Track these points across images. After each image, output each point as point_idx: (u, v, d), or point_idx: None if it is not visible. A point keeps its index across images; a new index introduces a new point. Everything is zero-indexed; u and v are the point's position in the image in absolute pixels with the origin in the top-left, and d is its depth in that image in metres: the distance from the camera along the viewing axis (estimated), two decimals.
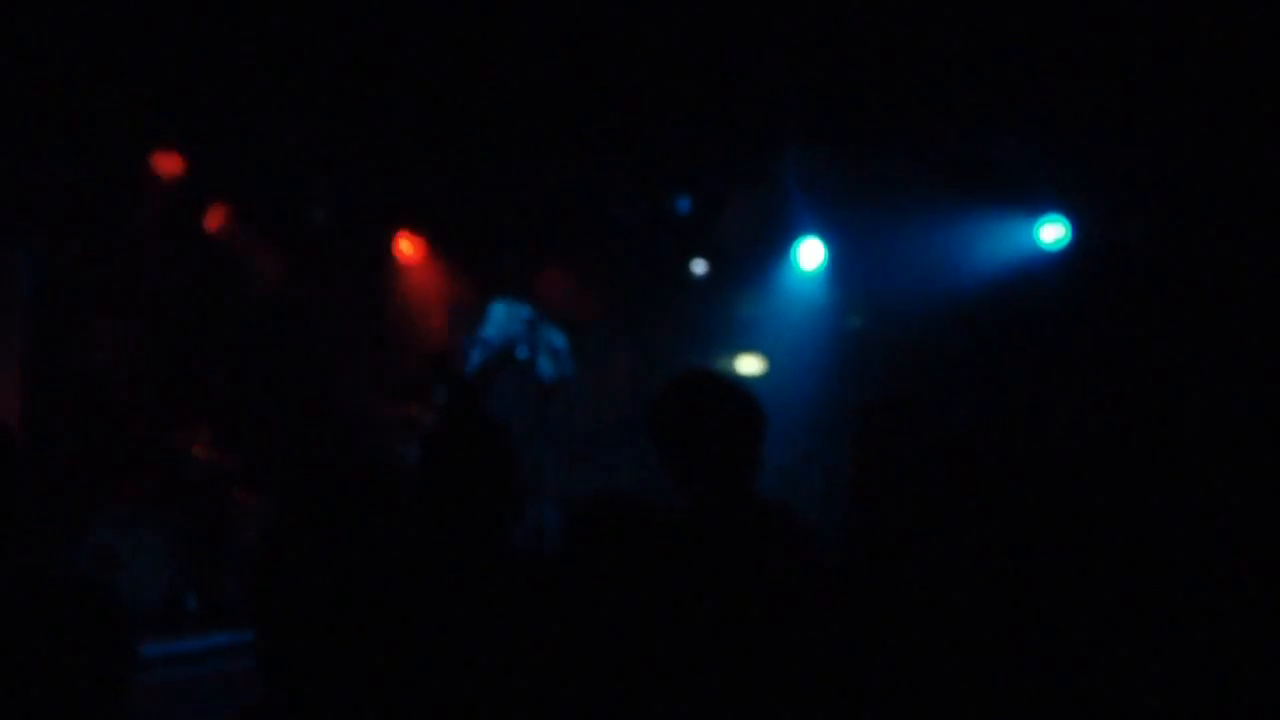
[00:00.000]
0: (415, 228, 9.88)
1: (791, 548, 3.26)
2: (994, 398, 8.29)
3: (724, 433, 3.30)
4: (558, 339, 7.18)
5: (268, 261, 9.43)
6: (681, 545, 3.00)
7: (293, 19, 6.80)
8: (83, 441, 7.91)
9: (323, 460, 8.93)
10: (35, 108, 7.30)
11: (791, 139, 8.20)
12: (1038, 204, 8.73)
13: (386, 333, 9.86)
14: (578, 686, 2.60)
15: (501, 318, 6.49)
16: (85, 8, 6.66)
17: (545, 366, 6.43)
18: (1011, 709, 2.46)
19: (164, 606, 7.24)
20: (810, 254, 9.76)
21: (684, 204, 9.59)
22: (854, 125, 7.97)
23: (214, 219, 8.82)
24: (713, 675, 2.66)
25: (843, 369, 9.47)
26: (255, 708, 1.81)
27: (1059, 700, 2.47)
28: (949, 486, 2.76)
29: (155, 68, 7.26)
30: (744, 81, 7.42)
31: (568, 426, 9.45)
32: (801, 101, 7.60)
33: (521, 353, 6.42)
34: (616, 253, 10.09)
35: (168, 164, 8.09)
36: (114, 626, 2.17)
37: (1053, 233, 8.77)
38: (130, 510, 7.52)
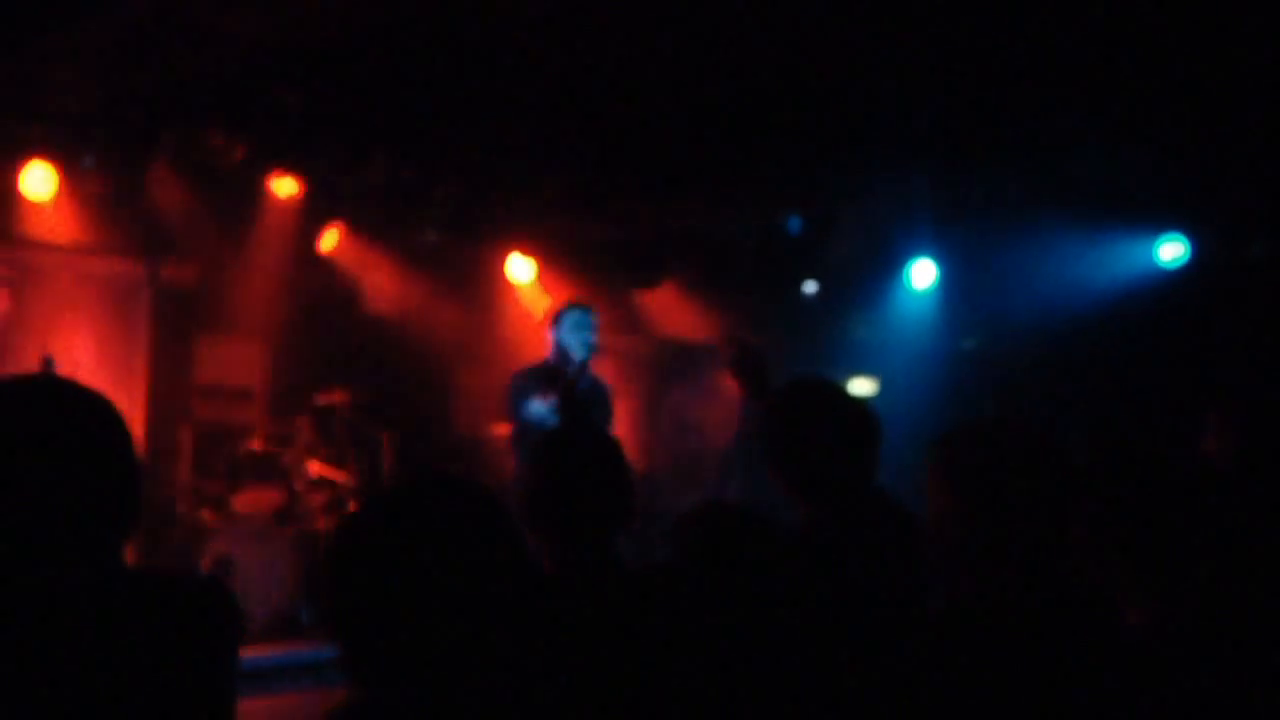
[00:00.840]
0: (526, 248, 9.95)
1: (909, 561, 3.18)
2: (1110, 421, 8.13)
3: (841, 438, 3.23)
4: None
5: (381, 281, 9.58)
6: (795, 556, 2.96)
7: (407, 43, 6.88)
8: (204, 456, 8.07)
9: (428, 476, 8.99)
10: (163, 130, 7.48)
11: (904, 158, 8.11)
12: (1156, 222, 8.57)
13: (496, 353, 9.93)
14: (690, 701, 2.58)
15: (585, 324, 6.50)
16: (208, 29, 6.82)
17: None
18: None
19: (278, 618, 7.36)
20: (922, 274, 9.68)
21: (795, 224, 9.55)
22: (968, 143, 7.87)
23: (329, 240, 8.97)
24: (824, 692, 2.63)
25: (955, 390, 9.36)
26: (342, 711, 1.81)
27: None
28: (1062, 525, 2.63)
29: (274, 89, 7.39)
30: (857, 100, 7.37)
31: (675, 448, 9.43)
32: (915, 120, 7.53)
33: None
34: (729, 273, 10.08)
35: (285, 185, 8.24)
36: (227, 625, 2.20)
37: (1172, 251, 8.60)
38: (249, 524, 7.68)
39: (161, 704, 2.01)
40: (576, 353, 6.25)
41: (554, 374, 6.27)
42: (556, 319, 6.49)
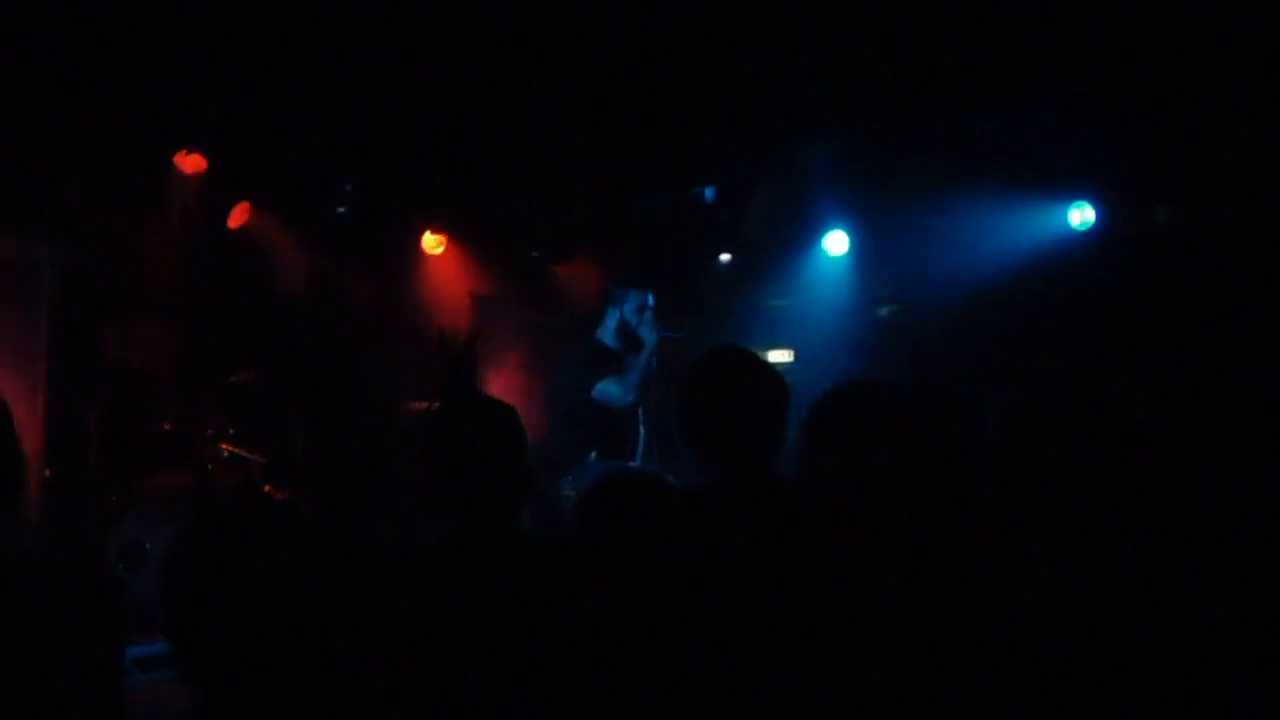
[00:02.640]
0: (439, 223, 9.85)
1: (807, 531, 3.20)
2: (1022, 384, 8.22)
3: (750, 407, 3.24)
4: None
5: (291, 258, 9.45)
6: (698, 522, 2.95)
7: (314, 17, 6.79)
8: (109, 438, 7.92)
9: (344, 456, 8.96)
10: (60, 106, 7.31)
11: (816, 128, 8.13)
12: (1066, 188, 8.66)
13: (410, 328, 9.85)
14: (587, 670, 2.56)
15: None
16: (107, 6, 6.67)
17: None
18: None
19: None
20: (836, 243, 9.72)
21: (709, 194, 9.54)
22: (878, 113, 7.91)
23: (237, 216, 8.82)
24: (722, 656, 2.62)
25: (871, 357, 9.41)
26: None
27: None
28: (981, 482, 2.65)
29: (177, 66, 7.26)
30: (768, 71, 7.37)
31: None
32: (825, 90, 7.54)
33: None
34: (642, 245, 10.05)
35: (191, 162, 8.08)
36: (112, 615, 2.14)
37: (1081, 216, 8.71)
38: (158, 507, 7.55)
39: (37, 693, 1.95)
40: (648, 339, 6.28)
41: (616, 355, 6.30)
42: (615, 298, 6.47)
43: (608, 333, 6.39)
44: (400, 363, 9.83)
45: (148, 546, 7.27)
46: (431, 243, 9.89)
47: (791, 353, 9.99)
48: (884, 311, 10.18)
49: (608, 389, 6.10)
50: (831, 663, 2.30)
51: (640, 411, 6.45)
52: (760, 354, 3.57)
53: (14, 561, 2.05)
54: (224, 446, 8.08)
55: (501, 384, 9.75)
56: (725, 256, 10.47)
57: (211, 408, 8.13)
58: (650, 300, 6.49)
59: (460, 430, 2.81)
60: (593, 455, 6.07)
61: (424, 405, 8.86)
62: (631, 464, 8.13)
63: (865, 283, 9.92)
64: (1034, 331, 8.59)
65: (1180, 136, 7.63)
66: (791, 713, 2.33)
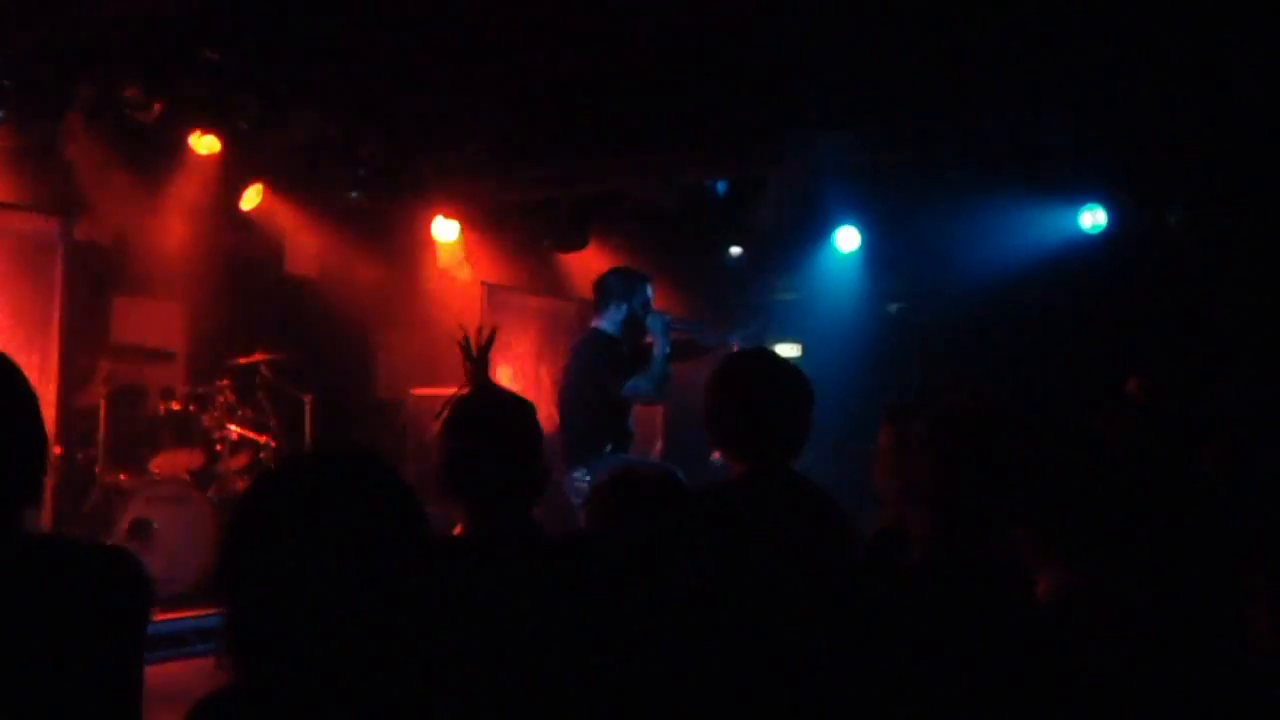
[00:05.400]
0: (450, 209, 9.85)
1: (826, 528, 3.24)
2: (1029, 384, 8.23)
3: (779, 406, 3.30)
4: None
5: (303, 241, 9.46)
6: (725, 518, 2.98)
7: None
8: (121, 418, 7.95)
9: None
10: (80, 85, 7.33)
11: (828, 123, 8.13)
12: (1078, 190, 8.65)
13: (421, 314, 9.86)
14: (598, 665, 2.58)
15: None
16: None
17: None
18: None
19: (198, 582, 7.29)
20: (847, 239, 9.73)
21: (721, 188, 9.54)
22: (892, 109, 7.90)
23: (250, 199, 8.83)
24: (734, 654, 2.64)
25: (879, 355, 9.43)
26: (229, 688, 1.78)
27: None
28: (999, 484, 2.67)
29: (194, 47, 7.27)
30: (781, 65, 7.37)
31: None
32: (838, 85, 7.54)
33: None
34: (654, 236, 10.06)
35: (205, 143, 8.09)
36: (134, 594, 2.15)
37: (1093, 219, 8.71)
38: (168, 487, 7.58)
39: (63, 674, 1.97)
40: (659, 334, 6.28)
41: (632, 350, 6.32)
42: (628, 291, 6.43)
43: (614, 324, 6.36)
44: (410, 347, 9.85)
45: (155, 525, 7.31)
46: (441, 229, 9.90)
47: (799, 347, 10.00)
48: (892, 308, 10.19)
49: (638, 385, 6.11)
50: (859, 658, 2.32)
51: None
52: (767, 347, 3.64)
53: (39, 543, 2.07)
54: (232, 427, 8.11)
55: (511, 373, 9.78)
56: (735, 249, 10.48)
57: (220, 389, 8.15)
58: (650, 292, 6.47)
59: (477, 424, 2.82)
60: (609, 447, 6.07)
61: (431, 390, 8.88)
62: (647, 458, 8.15)
63: (875, 279, 9.93)
64: (1042, 333, 8.60)
65: (1192, 139, 7.63)
66: (814, 710, 2.36)
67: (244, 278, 9.09)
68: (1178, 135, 7.55)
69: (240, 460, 8.20)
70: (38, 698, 1.94)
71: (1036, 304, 8.69)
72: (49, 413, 7.51)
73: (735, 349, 6.28)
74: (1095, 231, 8.70)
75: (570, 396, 6.27)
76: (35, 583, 2.00)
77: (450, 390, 8.49)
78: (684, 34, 7.01)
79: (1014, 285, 8.67)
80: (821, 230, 9.81)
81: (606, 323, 6.36)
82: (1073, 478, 2.72)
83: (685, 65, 7.38)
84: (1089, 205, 8.68)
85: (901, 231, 9.40)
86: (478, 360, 3.80)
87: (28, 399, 2.07)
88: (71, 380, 7.68)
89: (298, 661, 1.69)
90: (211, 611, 6.81)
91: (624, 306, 6.35)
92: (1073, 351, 8.34)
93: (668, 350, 6.27)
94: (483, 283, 10.00)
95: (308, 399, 8.54)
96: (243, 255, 9.13)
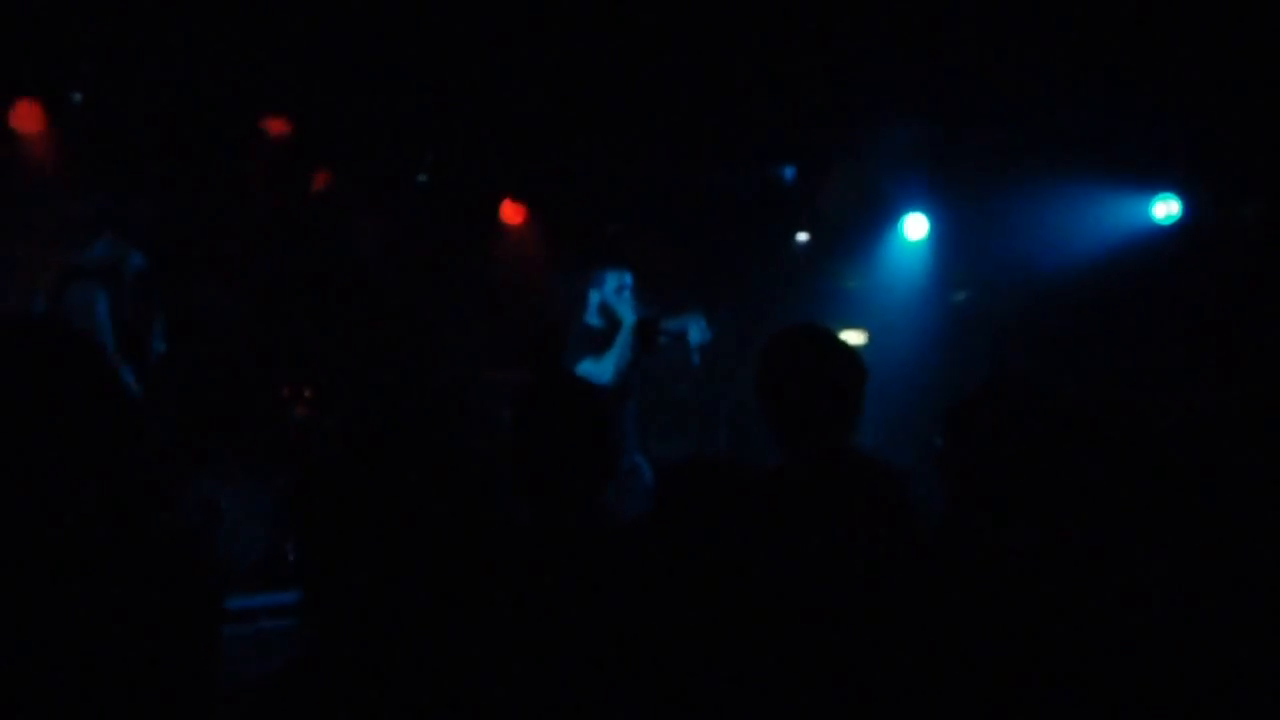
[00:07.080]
0: (519, 194, 9.87)
1: (885, 509, 3.21)
2: (1101, 376, 8.14)
3: (828, 384, 3.27)
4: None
5: (371, 225, 9.51)
6: (777, 504, 2.96)
7: None
8: (188, 398, 8.03)
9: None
10: (152, 66, 7.40)
11: (898, 110, 8.08)
12: (1151, 179, 8.53)
13: (489, 298, 9.89)
14: (664, 652, 2.57)
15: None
16: None
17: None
18: None
19: (265, 560, 7.35)
20: (915, 227, 9.66)
21: (789, 174, 9.50)
22: (962, 96, 7.84)
23: (319, 182, 8.89)
24: (800, 639, 2.63)
25: (946, 344, 9.36)
26: (301, 661, 1.79)
27: None
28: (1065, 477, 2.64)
29: (266, 30, 7.33)
30: (852, 51, 7.33)
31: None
32: (910, 71, 7.48)
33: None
34: (720, 222, 10.04)
35: (275, 126, 8.15)
36: (204, 577, 2.17)
37: (1165, 209, 8.58)
38: (234, 467, 7.65)
39: (140, 662, 1.98)
40: (626, 317, 6.34)
41: (601, 335, 6.37)
42: (598, 279, 6.55)
43: (591, 313, 6.51)
44: (478, 331, 9.88)
45: (223, 507, 7.38)
46: (510, 214, 9.92)
47: (865, 334, 9.95)
48: (959, 297, 10.11)
49: (588, 369, 6.18)
50: (915, 653, 2.31)
51: (632, 397, 6.51)
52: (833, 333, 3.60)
53: (120, 533, 2.08)
54: (299, 408, 8.17)
55: None
56: (803, 236, 10.43)
57: (288, 370, 8.22)
58: (629, 280, 6.55)
59: (547, 414, 2.83)
60: None
61: (500, 374, 8.90)
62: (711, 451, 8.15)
63: (942, 267, 9.85)
64: (1112, 325, 8.49)
65: (1269, 131, 7.51)
66: (886, 699, 2.35)
67: (312, 260, 9.15)
68: (1256, 127, 7.43)
69: (307, 440, 8.26)
70: (114, 683, 1.96)
71: (1104, 295, 8.58)
72: None
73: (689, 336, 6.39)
74: (1169, 222, 8.58)
75: None
76: (114, 572, 2.01)
77: (518, 374, 8.57)
78: (756, 19, 6.99)
79: (1082, 275, 8.56)
80: (889, 217, 9.76)
81: (587, 312, 6.53)
82: (1139, 477, 2.69)
83: (755, 52, 7.35)
84: (1163, 195, 8.55)
85: (969, 219, 9.31)
86: (544, 346, 3.82)
87: (117, 385, 2.08)
88: None
89: (370, 637, 1.71)
90: (278, 591, 6.88)
91: (597, 295, 6.50)
92: (1140, 345, 8.24)
93: (629, 338, 6.32)
94: (548, 269, 10.02)
95: (375, 380, 8.59)
96: (311, 237, 9.19)
